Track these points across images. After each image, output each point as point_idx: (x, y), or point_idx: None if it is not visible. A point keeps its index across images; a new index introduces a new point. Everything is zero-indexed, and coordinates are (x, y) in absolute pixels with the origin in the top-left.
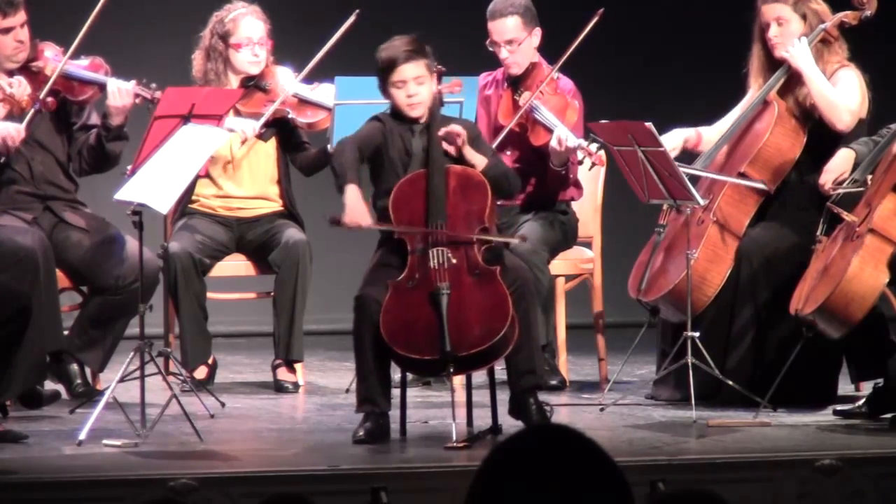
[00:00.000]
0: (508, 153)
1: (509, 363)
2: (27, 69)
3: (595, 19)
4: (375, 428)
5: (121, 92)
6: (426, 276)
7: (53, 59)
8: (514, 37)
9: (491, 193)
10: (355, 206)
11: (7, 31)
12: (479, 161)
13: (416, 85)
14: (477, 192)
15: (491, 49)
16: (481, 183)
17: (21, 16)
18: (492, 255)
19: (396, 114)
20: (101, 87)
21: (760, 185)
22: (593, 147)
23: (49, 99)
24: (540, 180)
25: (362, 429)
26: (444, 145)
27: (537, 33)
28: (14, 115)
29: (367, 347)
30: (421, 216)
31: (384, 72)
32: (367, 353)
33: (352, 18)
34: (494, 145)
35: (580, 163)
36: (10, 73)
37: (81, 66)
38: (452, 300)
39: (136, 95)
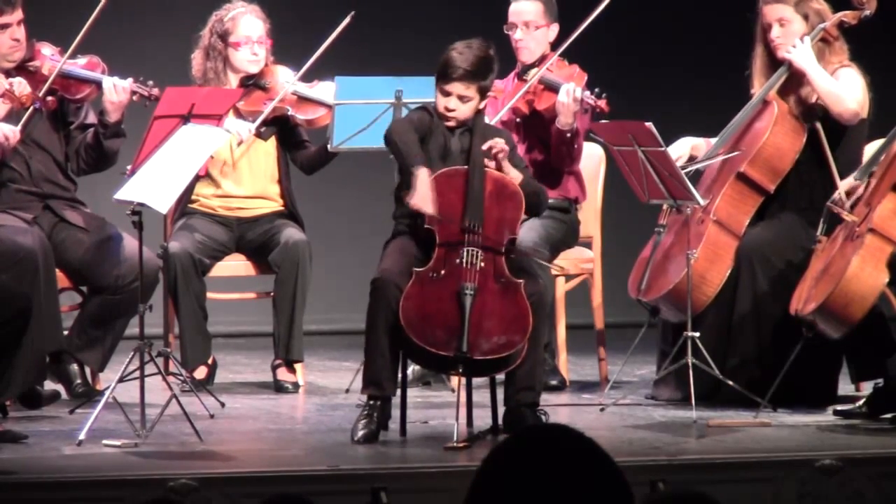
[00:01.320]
0: (515, 138)
1: (509, 376)
2: (24, 69)
3: (605, 2)
4: (374, 427)
5: (117, 88)
6: (453, 272)
7: (50, 59)
8: (532, 20)
9: (524, 205)
10: (424, 192)
11: (3, 28)
12: (515, 176)
13: (459, 101)
14: (512, 200)
15: (507, 32)
16: (517, 193)
17: (18, 14)
18: (515, 266)
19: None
20: (98, 85)
21: (735, 153)
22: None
23: (49, 98)
24: (545, 163)
25: (360, 431)
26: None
27: (555, 28)
28: (14, 112)
29: (380, 331)
30: (458, 212)
31: (439, 72)
32: (381, 335)
33: (346, 20)
34: (497, 118)
35: (586, 112)
36: (7, 73)
37: (78, 65)
38: (476, 303)
39: (133, 92)
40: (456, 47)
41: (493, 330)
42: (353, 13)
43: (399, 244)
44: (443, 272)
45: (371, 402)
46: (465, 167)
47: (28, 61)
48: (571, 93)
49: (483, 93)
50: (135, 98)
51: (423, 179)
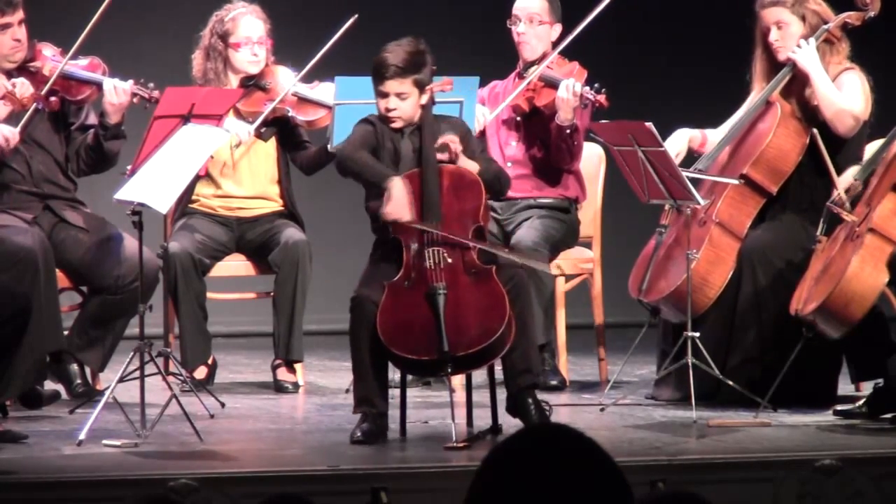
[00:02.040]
0: (514, 143)
1: (505, 362)
2: (25, 69)
3: (605, 1)
4: (373, 428)
5: (118, 90)
6: (422, 276)
7: (52, 59)
8: (536, 14)
9: (484, 191)
10: (399, 200)
11: (5, 28)
12: (471, 167)
13: (397, 100)
14: (470, 191)
15: (510, 27)
16: (474, 182)
17: (19, 14)
18: (486, 253)
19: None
20: (99, 86)
21: (735, 181)
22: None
23: (52, 99)
24: (545, 162)
25: (360, 429)
26: (439, 154)
27: (557, 28)
28: (15, 113)
29: (364, 348)
30: (417, 215)
31: (373, 75)
32: (364, 353)
33: (349, 22)
34: (497, 111)
35: (585, 107)
36: (9, 74)
37: (79, 66)
38: (449, 300)
39: (134, 94)
40: (385, 48)
41: (470, 322)
42: (356, 16)
43: (375, 259)
44: (413, 277)
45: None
46: (418, 169)
47: (29, 62)
48: (571, 88)
49: (420, 87)
50: (135, 100)
51: (399, 187)
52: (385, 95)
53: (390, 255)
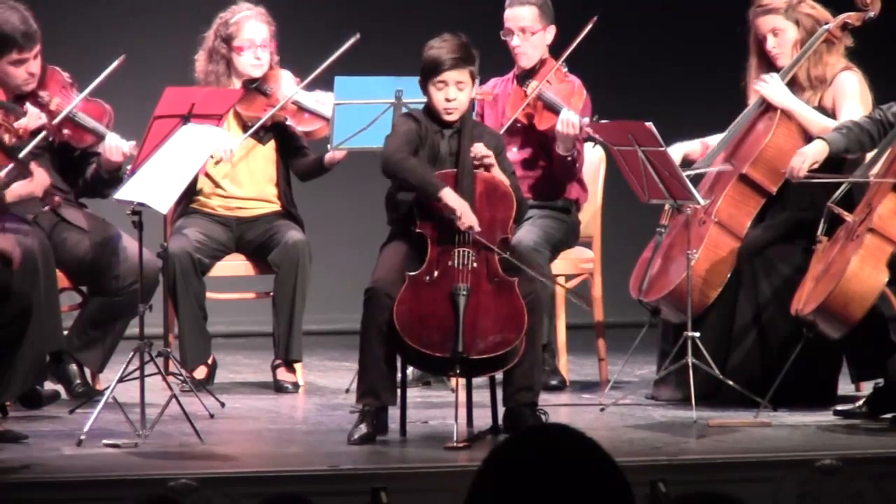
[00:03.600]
0: (515, 150)
1: (507, 376)
2: (35, 97)
3: (591, 22)
4: (371, 431)
5: (115, 150)
6: (446, 274)
7: (61, 93)
8: (528, 25)
9: (515, 205)
10: (466, 209)
11: (21, 62)
12: (503, 180)
13: (457, 90)
14: (503, 201)
15: (504, 39)
16: (507, 193)
17: (36, 48)
18: (508, 265)
19: (430, 113)
20: (102, 137)
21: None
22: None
23: (65, 132)
24: (547, 170)
25: (358, 431)
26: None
27: (551, 31)
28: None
29: (376, 340)
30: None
31: (427, 71)
32: (375, 346)
33: (352, 41)
34: (504, 129)
35: (586, 141)
36: (17, 99)
37: (87, 112)
38: (470, 303)
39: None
40: (433, 45)
41: (489, 329)
42: (357, 36)
43: (392, 249)
44: (436, 274)
45: (366, 409)
46: (455, 170)
47: (40, 88)
48: (569, 123)
49: (473, 78)
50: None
51: (455, 195)
52: (444, 85)
53: (411, 246)
